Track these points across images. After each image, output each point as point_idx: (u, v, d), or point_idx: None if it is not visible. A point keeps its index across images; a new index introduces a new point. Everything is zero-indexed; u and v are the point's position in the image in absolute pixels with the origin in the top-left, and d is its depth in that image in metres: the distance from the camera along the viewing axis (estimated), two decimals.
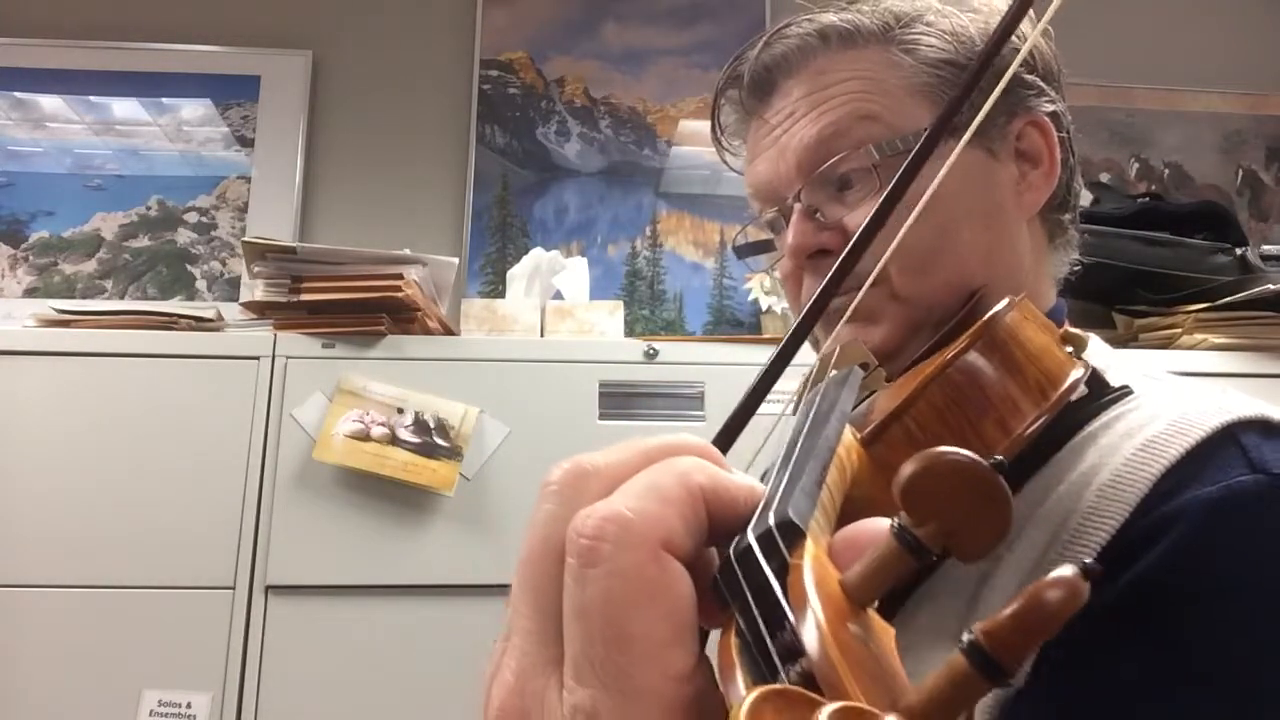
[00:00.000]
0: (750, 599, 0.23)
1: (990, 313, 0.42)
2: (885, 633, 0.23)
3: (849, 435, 0.35)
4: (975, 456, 0.22)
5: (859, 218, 0.59)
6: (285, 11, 2.03)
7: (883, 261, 0.42)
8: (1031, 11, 0.64)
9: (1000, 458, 0.22)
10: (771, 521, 0.25)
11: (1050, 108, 0.63)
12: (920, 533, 0.22)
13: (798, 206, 0.61)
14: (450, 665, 1.30)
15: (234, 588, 1.30)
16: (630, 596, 0.24)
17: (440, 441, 1.34)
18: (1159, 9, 2.21)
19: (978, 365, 0.39)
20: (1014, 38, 0.62)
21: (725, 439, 0.40)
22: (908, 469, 0.22)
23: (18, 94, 1.95)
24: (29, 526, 1.31)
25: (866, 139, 0.59)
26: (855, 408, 0.41)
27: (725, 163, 0.73)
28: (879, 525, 0.26)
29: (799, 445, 0.32)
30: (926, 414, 0.38)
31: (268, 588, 1.31)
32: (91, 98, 1.96)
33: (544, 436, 1.38)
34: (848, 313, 0.46)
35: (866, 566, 0.23)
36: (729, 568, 0.25)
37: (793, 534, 0.24)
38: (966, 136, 0.40)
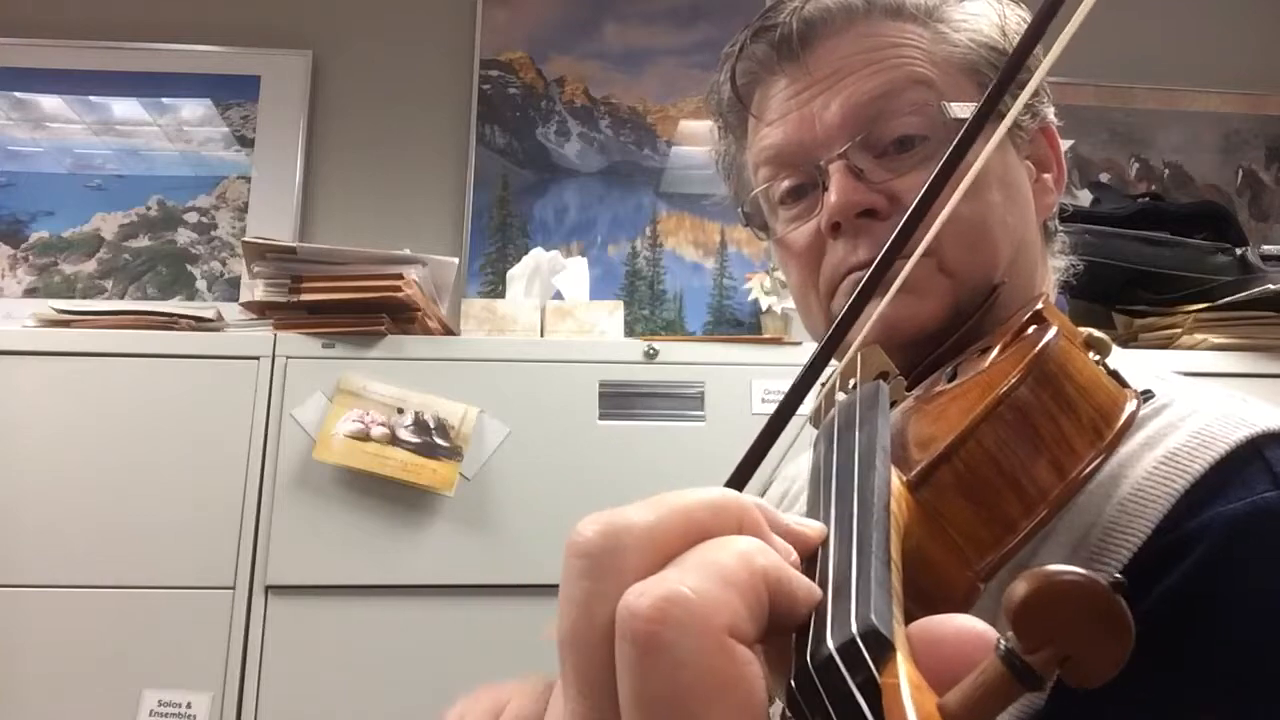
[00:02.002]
0: (835, 718, 0.22)
1: (1042, 343, 0.39)
2: None
3: (896, 482, 0.33)
4: (1094, 576, 0.20)
5: (909, 182, 0.57)
6: (285, 11, 2.03)
7: (937, 226, 0.40)
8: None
9: (1120, 577, 0.21)
10: (855, 630, 0.23)
11: (1051, 115, 0.63)
12: (1033, 659, 0.20)
13: (840, 164, 0.58)
14: (450, 665, 1.30)
15: (234, 588, 1.30)
16: (700, 690, 0.22)
17: (440, 441, 1.34)
18: (1159, 9, 2.21)
19: (1030, 403, 0.37)
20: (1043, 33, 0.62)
21: (760, 447, 0.38)
22: (1021, 590, 0.20)
23: (18, 94, 1.95)
24: (29, 526, 1.31)
25: (923, 103, 0.57)
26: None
27: (723, 124, 0.69)
28: (966, 631, 0.24)
29: (854, 501, 0.30)
30: (977, 456, 0.35)
31: (268, 588, 1.31)
32: (91, 98, 1.96)
33: (544, 436, 1.38)
34: (899, 279, 0.42)
35: (970, 694, 0.21)
36: (807, 677, 0.23)
37: (880, 644, 0.22)
38: (1012, 115, 0.38)
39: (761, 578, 0.25)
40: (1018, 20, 0.61)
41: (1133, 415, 0.38)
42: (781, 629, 0.25)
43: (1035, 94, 0.62)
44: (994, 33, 0.60)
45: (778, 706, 0.24)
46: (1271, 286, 1.52)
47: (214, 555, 1.31)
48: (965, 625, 0.24)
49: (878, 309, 0.46)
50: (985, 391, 0.37)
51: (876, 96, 0.58)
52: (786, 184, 0.63)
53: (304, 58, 1.98)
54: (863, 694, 0.21)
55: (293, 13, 2.03)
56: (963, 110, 0.57)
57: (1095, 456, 0.36)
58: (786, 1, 0.63)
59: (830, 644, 0.23)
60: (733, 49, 0.67)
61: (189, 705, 1.26)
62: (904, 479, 0.34)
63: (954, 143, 0.39)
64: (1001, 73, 0.40)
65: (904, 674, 0.21)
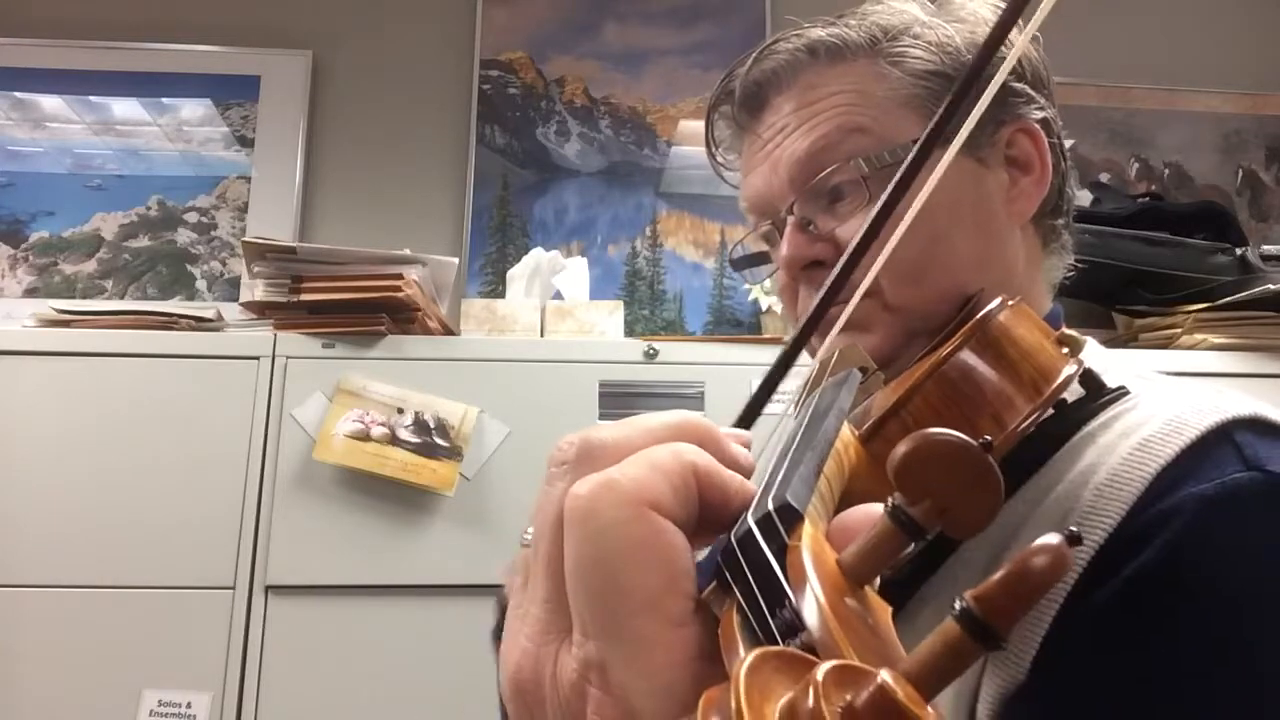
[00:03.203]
0: (751, 580, 0.24)
1: (983, 311, 0.43)
2: (882, 610, 0.24)
3: (847, 432, 0.36)
4: (965, 437, 0.23)
5: (850, 229, 0.60)
6: (285, 11, 2.03)
7: (873, 273, 0.43)
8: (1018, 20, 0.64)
9: (988, 438, 0.23)
10: (770, 506, 0.26)
11: (1040, 114, 0.63)
12: (914, 511, 0.23)
13: (791, 219, 0.62)
14: (450, 665, 1.30)
15: (234, 588, 1.30)
16: (620, 551, 0.26)
17: (440, 441, 1.34)
18: (1159, 9, 2.21)
19: (972, 363, 0.40)
20: (1001, 46, 0.62)
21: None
22: (901, 449, 0.23)
23: (18, 94, 1.95)
24: (29, 526, 1.31)
25: (856, 151, 0.60)
26: (854, 409, 0.42)
27: (721, 177, 0.74)
28: (871, 510, 0.27)
29: (797, 439, 0.32)
30: (923, 410, 0.38)
31: (268, 588, 1.31)
32: (91, 98, 1.96)
33: (544, 436, 1.38)
34: (839, 323, 0.46)
35: (862, 545, 0.24)
36: (730, 551, 0.26)
37: (791, 517, 0.25)
38: (953, 149, 0.40)
39: (691, 468, 0.28)
40: (963, 38, 0.61)
41: (1071, 376, 0.42)
42: (719, 521, 0.28)
43: (1016, 95, 0.62)
44: (933, 59, 0.61)
45: None
46: (1271, 286, 1.52)
47: (214, 555, 1.31)
48: (870, 509, 0.27)
49: (823, 346, 0.50)
50: (934, 358, 0.40)
51: (815, 151, 0.61)
52: (764, 230, 0.68)
53: (304, 58, 1.98)
54: (775, 558, 0.24)
55: (293, 13, 2.03)
56: (892, 155, 0.59)
57: (1034, 410, 0.39)
58: (748, 55, 0.66)
59: (750, 520, 0.26)
60: (708, 111, 0.71)
61: (189, 705, 1.26)
62: (856, 433, 0.37)
63: (882, 196, 0.41)
64: (914, 151, 0.41)
65: (806, 535, 0.24)
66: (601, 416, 1.40)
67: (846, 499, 0.32)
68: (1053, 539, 0.19)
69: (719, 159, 0.72)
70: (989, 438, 0.23)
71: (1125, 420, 0.48)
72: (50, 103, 1.96)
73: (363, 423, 1.34)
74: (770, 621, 0.23)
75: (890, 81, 0.61)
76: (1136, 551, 0.42)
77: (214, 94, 1.97)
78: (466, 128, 2.00)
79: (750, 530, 0.25)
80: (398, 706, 1.29)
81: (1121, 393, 0.49)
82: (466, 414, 1.36)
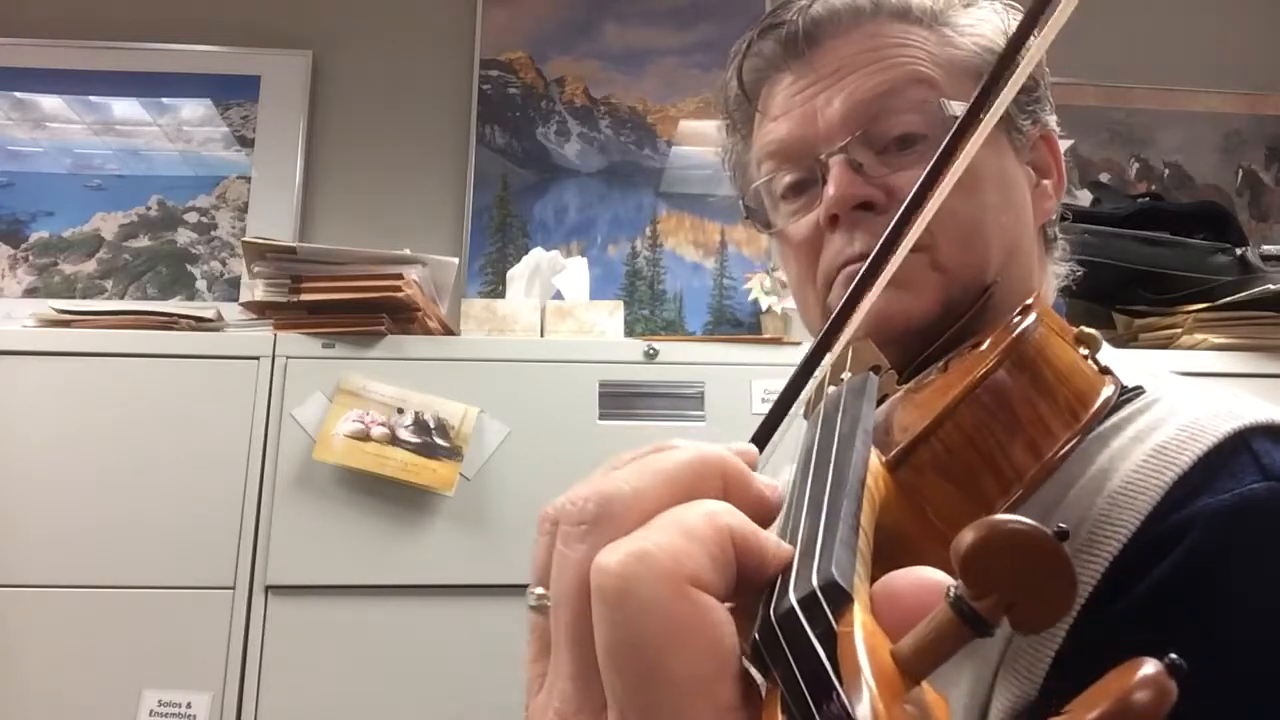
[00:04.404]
0: (795, 666, 0.22)
1: (1019, 329, 0.40)
2: (939, 707, 0.22)
3: (874, 460, 0.34)
4: (1038, 526, 0.21)
5: (907, 178, 0.58)
6: (285, 11, 2.03)
7: (924, 221, 0.41)
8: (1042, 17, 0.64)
9: (1063, 526, 0.21)
10: (815, 583, 0.24)
11: (1053, 122, 0.64)
12: (980, 605, 0.21)
13: (840, 159, 0.59)
14: (450, 665, 1.30)
15: (234, 588, 1.30)
16: (662, 634, 0.24)
17: (440, 441, 1.34)
18: (1159, 9, 2.21)
19: (1007, 386, 0.38)
20: (1033, 35, 0.62)
21: (762, 436, 0.39)
22: (967, 538, 0.21)
23: (18, 94, 1.95)
24: (29, 526, 1.31)
25: (924, 101, 0.59)
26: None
27: (732, 123, 0.70)
28: (922, 581, 0.25)
29: (829, 475, 0.31)
30: (954, 437, 0.36)
31: (268, 588, 1.31)
32: (91, 98, 1.96)
33: (544, 436, 1.38)
34: (887, 273, 0.43)
35: (921, 638, 0.22)
36: (769, 629, 0.24)
37: (838, 597, 0.23)
38: (999, 106, 0.39)
39: (727, 534, 0.26)
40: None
41: (1109, 400, 0.39)
42: (755, 587, 0.26)
43: (1038, 101, 0.62)
44: (998, 38, 0.61)
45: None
46: (1271, 286, 1.52)
47: (214, 555, 1.31)
48: (921, 576, 0.25)
49: (868, 302, 0.46)
50: (965, 377, 0.38)
51: (879, 94, 0.59)
52: (788, 179, 0.64)
53: (304, 58, 1.98)
54: (821, 643, 0.22)
55: (293, 13, 2.03)
56: (963, 109, 0.57)
57: (1071, 438, 0.37)
58: (794, 0, 0.64)
59: (792, 597, 0.24)
60: (741, 46, 0.68)
61: (189, 705, 1.26)
62: (883, 459, 0.35)
63: (946, 139, 0.39)
64: (993, 67, 0.40)
65: (859, 622, 0.22)
66: (601, 417, 1.40)
67: (876, 533, 0.30)
68: (1151, 668, 0.17)
69: (742, 96, 0.68)
70: (1063, 525, 0.21)
71: (1137, 423, 0.47)
72: (50, 103, 1.96)
73: (363, 423, 1.34)
74: (815, 716, 0.21)
75: (954, 46, 0.61)
76: (1152, 564, 0.41)
77: (214, 94, 1.97)
78: (466, 128, 2.00)
79: (792, 609, 0.23)
80: (398, 706, 1.29)
81: (1136, 392, 0.48)
82: (466, 414, 1.36)
